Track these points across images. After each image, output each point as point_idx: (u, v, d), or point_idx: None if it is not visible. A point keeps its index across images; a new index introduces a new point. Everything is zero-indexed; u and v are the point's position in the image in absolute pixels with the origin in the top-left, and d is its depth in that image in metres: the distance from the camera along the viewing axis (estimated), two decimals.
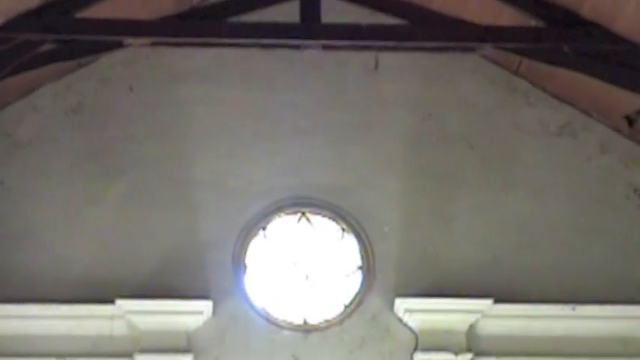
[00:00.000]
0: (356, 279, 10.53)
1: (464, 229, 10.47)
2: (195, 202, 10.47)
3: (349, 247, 10.55)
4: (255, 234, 10.52)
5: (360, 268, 10.52)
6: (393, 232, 10.47)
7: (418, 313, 10.05)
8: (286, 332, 10.30)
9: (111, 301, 10.01)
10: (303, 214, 10.58)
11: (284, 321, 10.34)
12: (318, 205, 10.64)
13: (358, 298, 10.43)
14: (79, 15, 9.31)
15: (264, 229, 10.53)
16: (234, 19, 10.21)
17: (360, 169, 10.69)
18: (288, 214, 10.62)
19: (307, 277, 10.50)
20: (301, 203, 10.65)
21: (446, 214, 10.61)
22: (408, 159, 10.66)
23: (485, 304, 10.00)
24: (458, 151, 10.69)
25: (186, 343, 10.00)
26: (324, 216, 10.61)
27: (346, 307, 10.37)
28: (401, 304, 10.04)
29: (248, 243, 10.53)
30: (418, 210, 10.60)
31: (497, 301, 10.09)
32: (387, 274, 10.37)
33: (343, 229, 10.54)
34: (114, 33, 9.29)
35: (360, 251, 10.47)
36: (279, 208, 10.61)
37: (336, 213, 10.64)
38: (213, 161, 10.60)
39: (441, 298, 10.12)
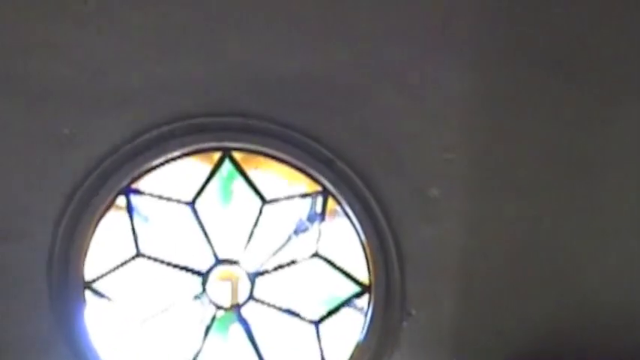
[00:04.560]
0: (354, 316, 4.82)
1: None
2: None
3: (340, 238, 4.86)
4: (109, 202, 4.72)
5: (367, 290, 4.77)
6: (452, 201, 4.73)
7: None
8: None
9: None
10: (227, 153, 4.80)
11: None
12: (263, 131, 4.77)
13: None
14: None
15: (126, 193, 4.74)
16: None
17: (370, 41, 4.79)
18: (187, 154, 4.77)
19: (239, 313, 4.70)
20: (222, 126, 4.79)
21: (590, 158, 4.80)
22: (484, 23, 4.85)
23: None
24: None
25: None
26: (279, 160, 4.82)
27: None
28: None
29: (88, 222, 4.69)
30: (512, 146, 4.78)
31: None
32: (432, 305, 4.72)
33: (325, 192, 4.77)
34: None
35: (368, 250, 4.76)
36: (167, 139, 4.71)
37: (310, 153, 4.78)
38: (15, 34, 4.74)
39: None
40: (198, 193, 4.75)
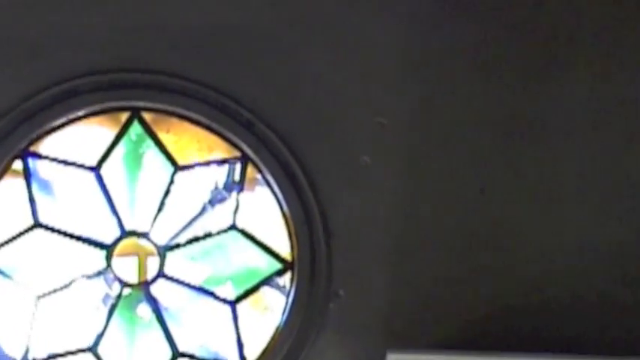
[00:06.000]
0: (274, 296, 4.42)
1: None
2: None
3: (260, 209, 4.44)
4: (4, 166, 4.31)
5: (289, 266, 4.36)
6: (385, 170, 4.29)
7: None
8: None
9: None
10: (135, 113, 4.37)
11: None
12: (175, 89, 4.33)
13: (283, 347, 4.34)
14: None
15: (24, 157, 4.29)
16: None
17: None
18: (92, 113, 4.34)
19: (147, 290, 4.30)
20: (130, 83, 4.35)
21: (536, 122, 4.29)
22: None
23: None
24: None
25: None
26: (193, 122, 4.40)
27: None
28: None
29: None
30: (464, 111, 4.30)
31: None
32: (361, 285, 4.30)
33: (244, 158, 4.37)
34: None
35: (291, 222, 4.38)
36: (69, 96, 4.28)
37: (228, 115, 4.35)
38: None
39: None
40: (104, 158, 4.31)
